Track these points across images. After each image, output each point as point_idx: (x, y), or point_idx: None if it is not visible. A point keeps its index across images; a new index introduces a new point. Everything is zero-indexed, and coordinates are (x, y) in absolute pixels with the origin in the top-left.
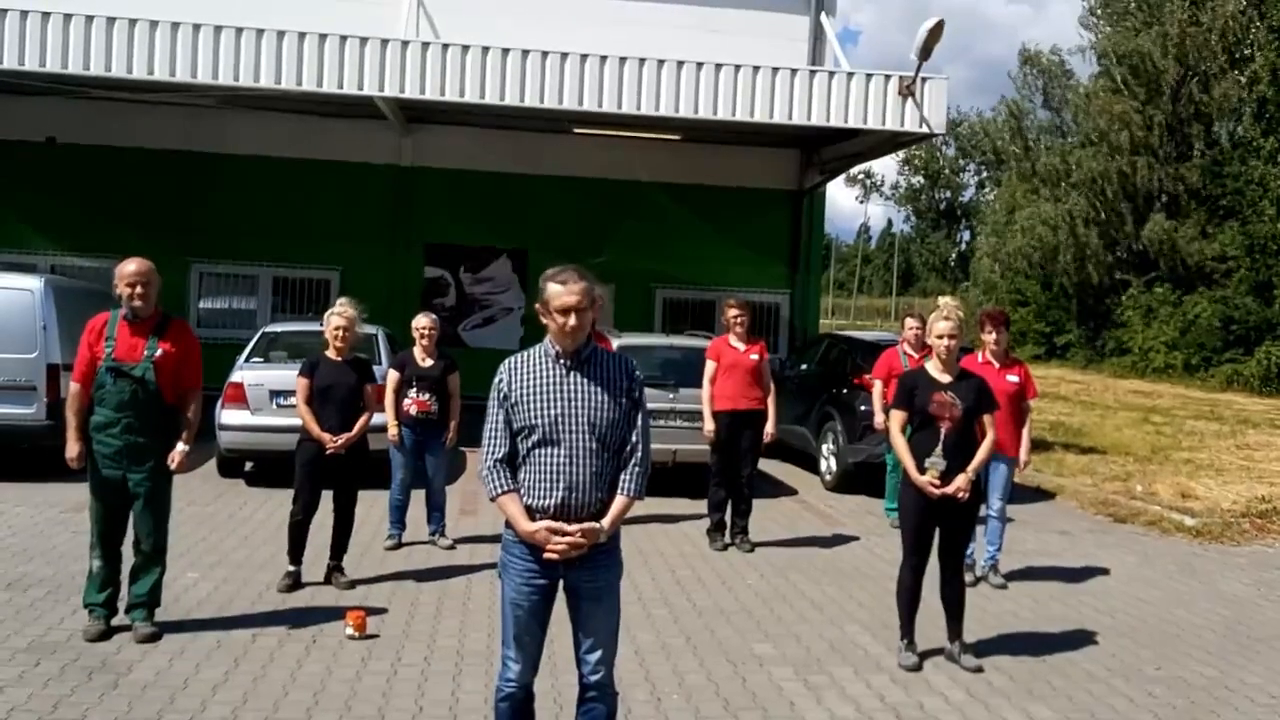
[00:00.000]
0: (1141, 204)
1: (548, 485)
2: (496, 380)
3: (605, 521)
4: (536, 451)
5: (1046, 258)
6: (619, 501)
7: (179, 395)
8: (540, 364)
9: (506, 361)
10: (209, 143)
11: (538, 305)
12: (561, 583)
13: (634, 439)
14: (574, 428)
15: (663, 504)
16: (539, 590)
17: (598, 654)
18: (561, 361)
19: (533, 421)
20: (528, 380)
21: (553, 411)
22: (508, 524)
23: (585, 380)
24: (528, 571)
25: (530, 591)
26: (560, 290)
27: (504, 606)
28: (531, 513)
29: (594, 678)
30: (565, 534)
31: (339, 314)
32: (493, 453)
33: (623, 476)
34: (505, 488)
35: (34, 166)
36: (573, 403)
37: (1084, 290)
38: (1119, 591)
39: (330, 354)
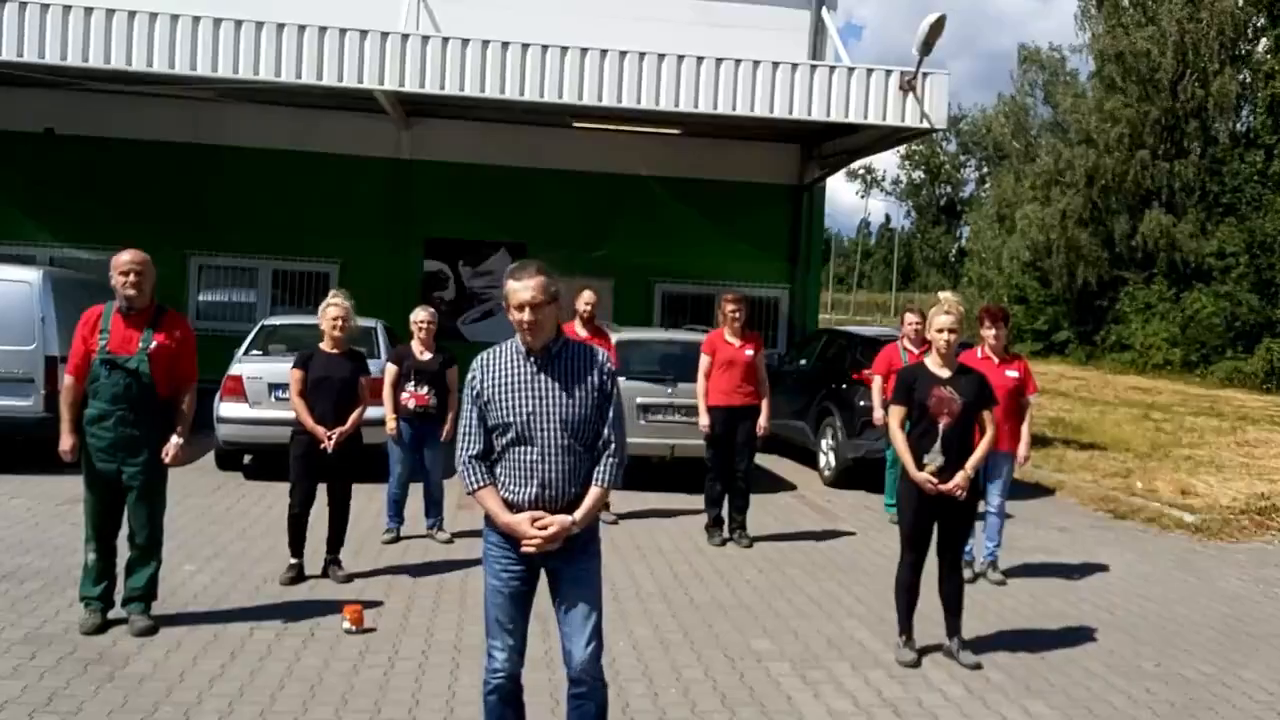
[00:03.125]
0: (1138, 201)
1: (522, 481)
2: (470, 377)
3: (578, 514)
4: (511, 449)
5: (1042, 255)
6: (592, 493)
7: (174, 388)
8: (511, 361)
9: (479, 358)
10: (208, 135)
11: (503, 303)
12: (544, 575)
13: (606, 432)
14: (545, 425)
15: (660, 499)
16: (518, 576)
17: (581, 646)
18: (531, 359)
19: (506, 419)
20: (499, 378)
21: (525, 410)
22: (487, 516)
23: (555, 377)
24: (505, 559)
25: (510, 578)
26: (516, 286)
27: (486, 596)
28: (509, 506)
29: (579, 670)
30: (544, 525)
31: (335, 304)
32: (468, 449)
33: (597, 469)
34: (482, 482)
35: (33, 158)
36: (544, 400)
37: (1081, 287)
38: (1118, 588)
39: (326, 346)
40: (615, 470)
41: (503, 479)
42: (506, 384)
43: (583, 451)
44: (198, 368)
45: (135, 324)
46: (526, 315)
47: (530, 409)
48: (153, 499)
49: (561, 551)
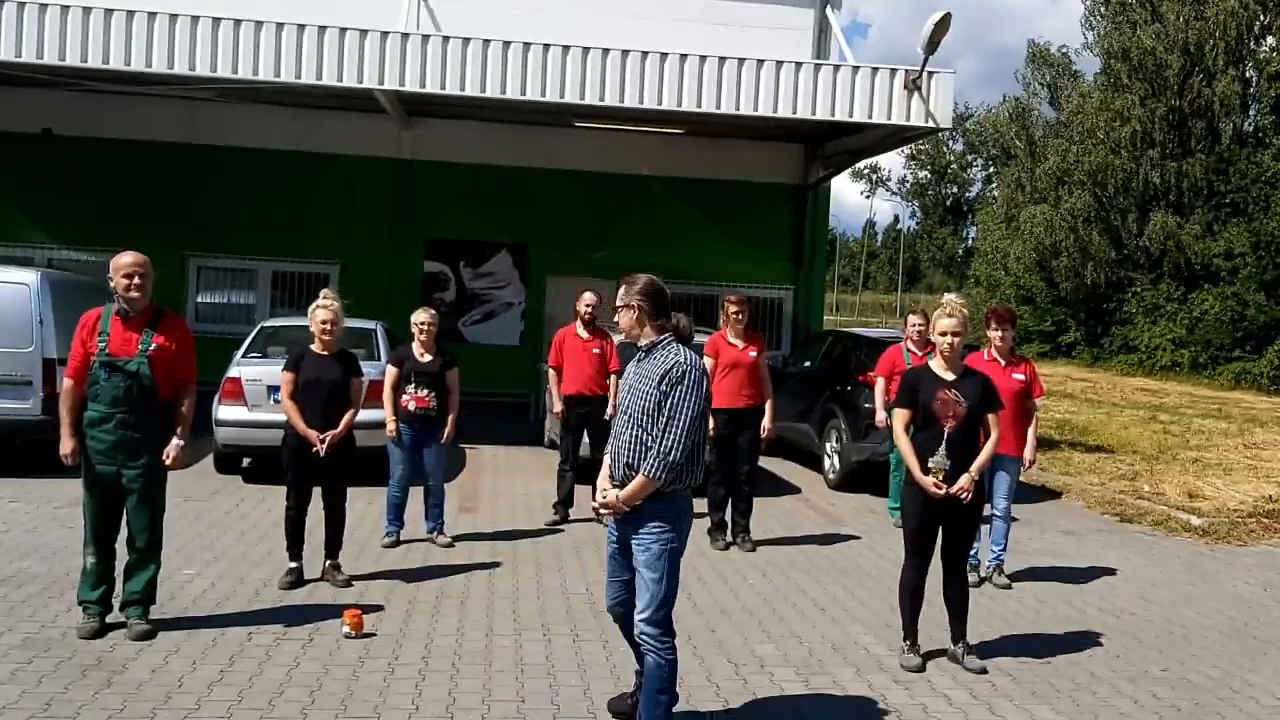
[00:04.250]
0: (1144, 201)
1: (609, 454)
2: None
3: (622, 493)
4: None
5: (1049, 256)
6: (635, 480)
7: (173, 390)
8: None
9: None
10: (207, 135)
11: None
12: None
13: (656, 429)
14: (624, 410)
15: None
16: (612, 540)
17: (640, 609)
18: (636, 355)
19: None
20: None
21: (622, 395)
22: None
23: (637, 371)
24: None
25: (610, 539)
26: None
27: None
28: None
29: (638, 628)
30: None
31: (325, 307)
32: None
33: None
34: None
35: (31, 159)
36: (626, 389)
37: (1088, 288)
38: (1124, 592)
39: (316, 347)
40: (655, 463)
41: None
42: (625, 374)
43: (645, 439)
44: (196, 370)
45: (134, 326)
46: (615, 319)
47: (622, 395)
48: (153, 502)
49: (628, 526)
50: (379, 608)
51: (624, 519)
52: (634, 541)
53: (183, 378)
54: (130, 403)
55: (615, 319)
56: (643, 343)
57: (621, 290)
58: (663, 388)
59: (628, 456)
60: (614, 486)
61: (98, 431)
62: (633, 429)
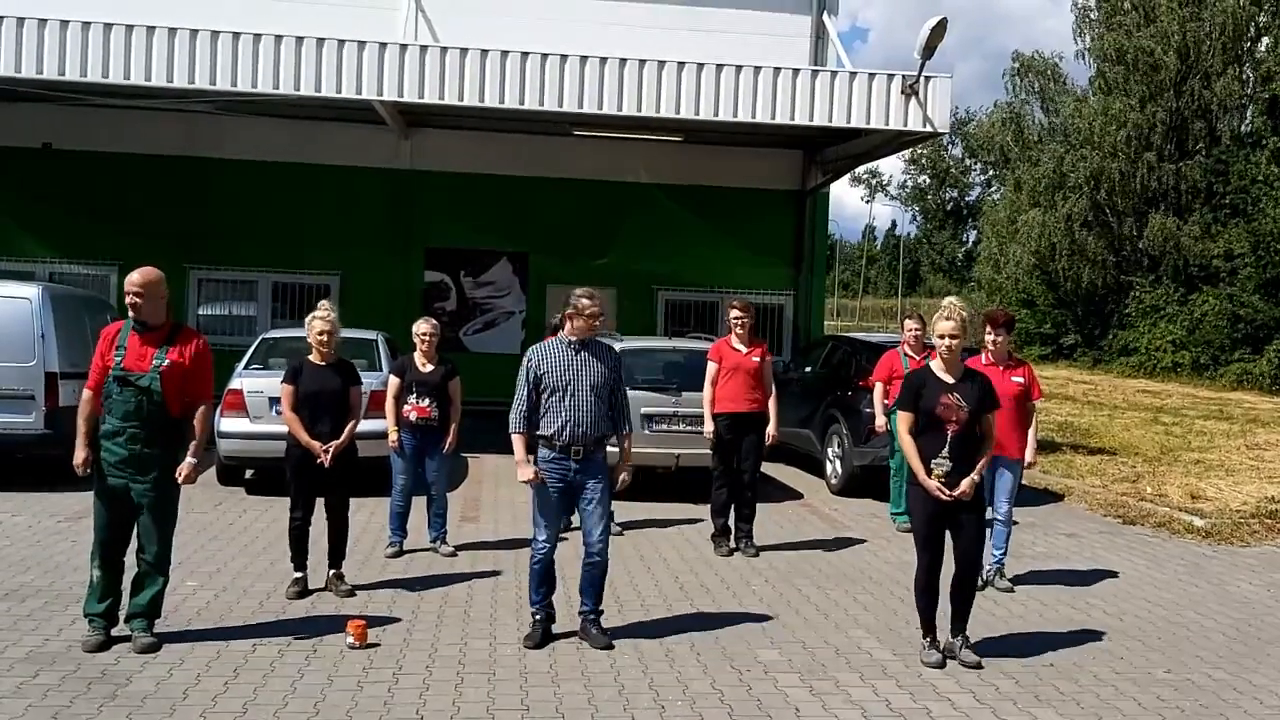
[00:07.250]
0: (1143, 203)
1: (558, 421)
2: (526, 360)
3: (626, 456)
4: (551, 400)
5: (1047, 259)
6: (626, 441)
7: (186, 406)
8: (556, 348)
9: (533, 348)
10: (207, 148)
11: (568, 310)
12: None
13: (618, 399)
14: (579, 386)
15: (666, 509)
16: (558, 490)
17: (597, 531)
18: (572, 346)
19: (553, 384)
20: (551, 358)
21: (566, 377)
22: (539, 449)
23: (587, 357)
24: (553, 476)
25: (556, 488)
26: (587, 302)
27: (535, 501)
28: (548, 438)
29: (594, 546)
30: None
31: (321, 318)
32: (518, 406)
33: (620, 422)
34: (519, 429)
35: (30, 173)
36: (579, 371)
37: (1088, 291)
38: (1127, 594)
39: (314, 358)
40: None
41: (545, 421)
42: (556, 361)
43: (601, 404)
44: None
45: (151, 341)
46: (593, 322)
47: (570, 376)
48: (163, 517)
49: (586, 470)
50: (383, 618)
51: (581, 470)
52: (591, 484)
53: (196, 394)
54: (141, 418)
55: (595, 322)
56: (590, 337)
57: (603, 301)
58: (616, 369)
59: (593, 415)
60: (572, 443)
61: (111, 444)
62: (593, 397)
